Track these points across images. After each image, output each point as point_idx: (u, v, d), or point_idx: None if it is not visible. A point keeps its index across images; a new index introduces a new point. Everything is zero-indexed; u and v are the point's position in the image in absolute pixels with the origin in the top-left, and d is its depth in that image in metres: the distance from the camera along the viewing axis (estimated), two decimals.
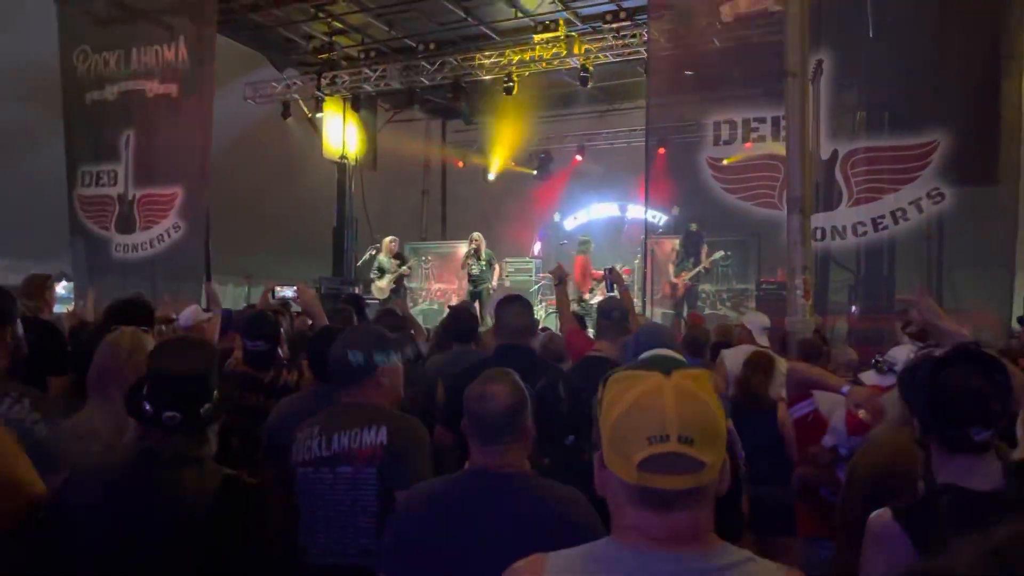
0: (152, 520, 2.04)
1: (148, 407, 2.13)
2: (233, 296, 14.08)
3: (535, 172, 17.21)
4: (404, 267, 12.68)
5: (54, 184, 11.65)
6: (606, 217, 16.51)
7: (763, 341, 5.22)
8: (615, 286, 5.64)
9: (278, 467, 3.27)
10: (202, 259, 11.15)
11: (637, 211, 15.30)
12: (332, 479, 2.60)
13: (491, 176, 17.20)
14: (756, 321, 5.43)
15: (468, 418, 2.20)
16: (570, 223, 16.74)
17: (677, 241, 11.26)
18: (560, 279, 5.10)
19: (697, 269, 10.89)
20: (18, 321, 2.77)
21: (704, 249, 10.92)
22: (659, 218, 13.33)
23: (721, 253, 10.99)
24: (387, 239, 12.72)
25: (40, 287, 4.68)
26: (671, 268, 11.17)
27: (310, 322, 5.16)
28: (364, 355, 2.73)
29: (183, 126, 11.29)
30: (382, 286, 12.33)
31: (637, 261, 12.89)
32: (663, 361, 1.33)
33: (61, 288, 5.70)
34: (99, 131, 11.79)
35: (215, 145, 11.28)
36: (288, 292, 6.83)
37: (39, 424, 2.61)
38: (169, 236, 11.47)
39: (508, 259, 14.03)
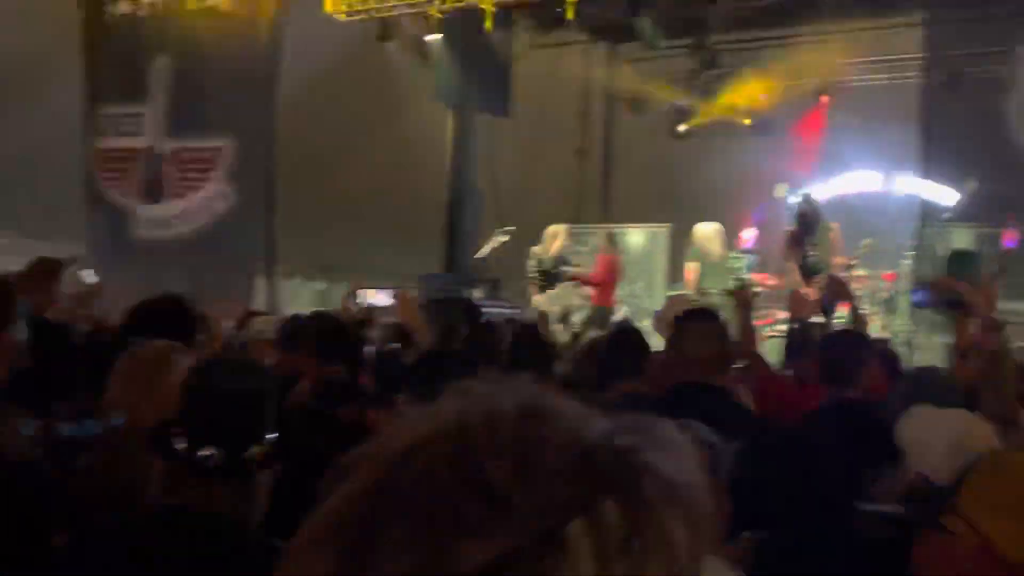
0: None
1: (179, 444, 2.30)
2: (302, 295, 14.61)
3: (749, 122, 16.94)
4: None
5: (73, 136, 12.41)
6: (858, 193, 16.06)
7: None
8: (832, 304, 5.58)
9: None
10: (259, 242, 11.62)
11: (912, 184, 14.82)
12: None
13: (682, 128, 17.07)
14: None
15: None
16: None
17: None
18: (745, 302, 5.12)
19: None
20: (20, 323, 3.04)
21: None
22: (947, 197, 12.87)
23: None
24: (553, 229, 12.81)
25: (47, 275, 5.06)
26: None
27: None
28: None
29: (236, 50, 11.78)
30: (554, 296, 12.49)
31: (908, 262, 12.51)
32: None
33: (84, 277, 6.17)
34: (124, 58, 12.44)
35: (282, 81, 11.73)
36: (379, 298, 6.98)
37: (43, 464, 2.87)
38: (212, 208, 11.97)
39: None
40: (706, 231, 12.08)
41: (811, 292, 9.85)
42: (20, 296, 3.19)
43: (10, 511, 2.59)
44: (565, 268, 12.78)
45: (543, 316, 11.13)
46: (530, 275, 12.64)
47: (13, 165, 12.66)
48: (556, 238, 12.64)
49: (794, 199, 15.34)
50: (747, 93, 15.88)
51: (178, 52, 12.18)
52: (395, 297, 4.81)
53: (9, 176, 12.75)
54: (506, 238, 13.60)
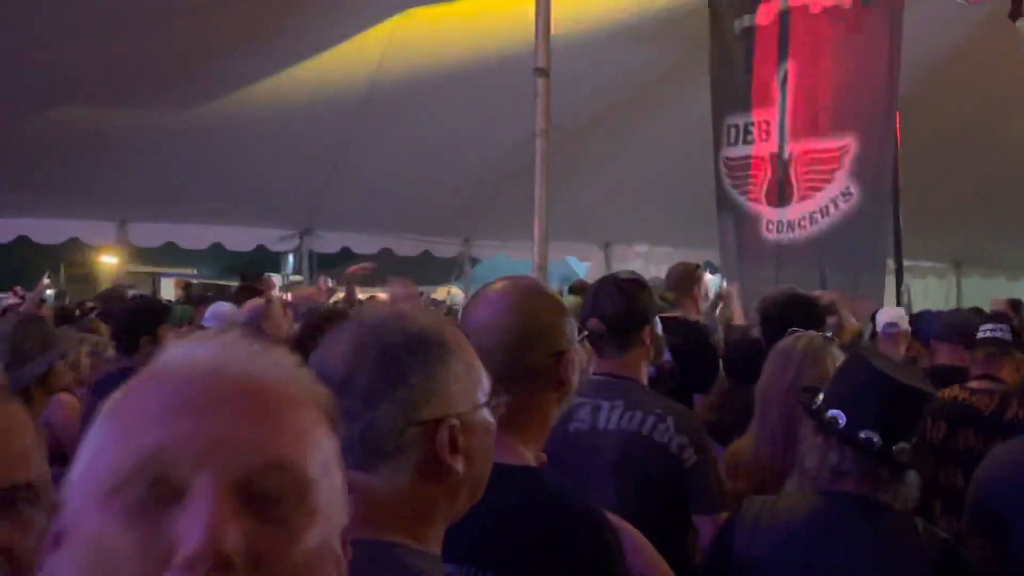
0: None
1: (831, 415, 2.45)
2: (931, 291, 14.22)
3: None
4: None
5: (703, 146, 13.14)
6: None
7: None
8: None
9: (995, 543, 3.34)
10: (885, 239, 11.47)
11: None
12: None
13: None
14: None
15: None
16: None
17: None
18: None
19: None
20: (657, 320, 3.38)
21: None
22: None
23: None
24: None
25: (686, 279, 5.52)
26: None
27: None
28: None
29: (860, 50, 11.72)
30: None
31: None
32: None
33: (713, 282, 6.69)
34: (748, 69, 12.97)
35: (903, 72, 11.48)
36: None
37: (687, 450, 3.16)
38: (837, 207, 12.03)
39: None
40: None
41: None
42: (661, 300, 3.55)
43: (658, 491, 2.89)
44: None
45: None
46: None
47: (649, 178, 13.72)
48: None
49: None
50: None
51: (801, 56, 12.42)
52: None
53: (645, 189, 13.82)
54: None
